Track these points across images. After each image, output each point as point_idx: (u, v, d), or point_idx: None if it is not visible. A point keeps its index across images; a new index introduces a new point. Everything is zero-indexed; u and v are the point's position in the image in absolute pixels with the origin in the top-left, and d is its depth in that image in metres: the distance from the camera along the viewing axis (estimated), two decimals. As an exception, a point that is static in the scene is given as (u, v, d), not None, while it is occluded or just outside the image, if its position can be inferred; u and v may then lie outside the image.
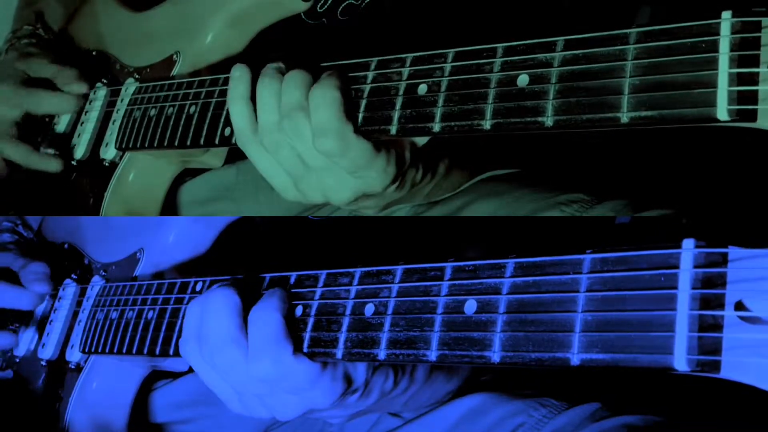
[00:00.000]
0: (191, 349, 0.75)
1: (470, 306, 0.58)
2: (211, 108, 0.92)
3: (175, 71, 1.07)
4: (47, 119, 1.18)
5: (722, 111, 0.55)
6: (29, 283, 1.07)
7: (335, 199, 0.81)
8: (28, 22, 1.25)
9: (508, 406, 0.90)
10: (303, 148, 0.77)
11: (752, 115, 0.54)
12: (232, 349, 0.70)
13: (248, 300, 0.72)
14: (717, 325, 0.46)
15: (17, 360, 1.12)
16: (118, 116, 1.08)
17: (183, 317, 0.82)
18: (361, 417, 0.87)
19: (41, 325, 1.11)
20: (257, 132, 0.80)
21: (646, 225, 0.85)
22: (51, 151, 1.13)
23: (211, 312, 0.72)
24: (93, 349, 0.98)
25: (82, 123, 1.14)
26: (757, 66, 0.53)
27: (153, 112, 1.01)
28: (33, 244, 1.22)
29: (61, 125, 1.17)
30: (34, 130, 1.16)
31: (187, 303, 0.84)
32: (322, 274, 0.72)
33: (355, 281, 0.68)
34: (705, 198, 0.94)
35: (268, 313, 0.70)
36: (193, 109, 0.94)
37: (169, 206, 1.14)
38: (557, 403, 0.88)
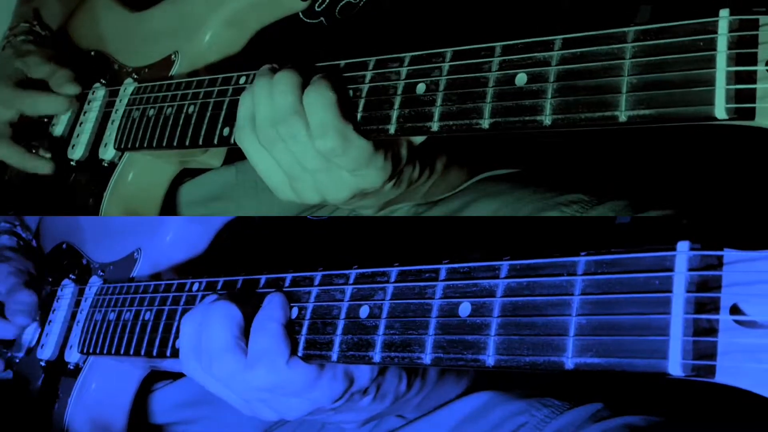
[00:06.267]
0: (192, 364, 0.75)
1: (464, 309, 0.58)
2: (210, 108, 0.91)
3: (173, 71, 1.06)
4: (45, 120, 1.18)
5: (720, 109, 0.55)
6: (13, 315, 1.08)
7: (332, 198, 0.81)
8: (25, 19, 1.25)
9: (510, 406, 0.90)
10: (299, 150, 0.77)
11: (750, 114, 0.53)
12: (228, 358, 0.71)
13: (246, 306, 0.72)
14: (712, 329, 0.45)
15: (17, 361, 1.12)
16: (116, 116, 1.07)
17: (179, 321, 0.82)
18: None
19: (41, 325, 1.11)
20: (255, 128, 0.80)
21: (647, 225, 0.84)
22: (47, 154, 1.14)
23: (209, 324, 0.72)
24: (91, 350, 0.98)
25: (81, 123, 1.14)
26: (755, 64, 0.53)
27: (152, 112, 1.01)
28: (31, 246, 1.22)
29: (59, 127, 1.17)
30: (29, 130, 1.17)
31: (184, 304, 0.84)
32: (318, 275, 0.72)
33: (351, 282, 0.68)
34: (703, 199, 0.93)
35: (267, 322, 0.70)
36: (191, 109, 0.94)
37: (169, 206, 1.14)
38: (559, 403, 0.88)
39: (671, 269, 0.48)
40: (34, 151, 1.15)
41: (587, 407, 0.85)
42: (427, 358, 0.59)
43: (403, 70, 0.74)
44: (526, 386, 0.92)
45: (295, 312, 0.71)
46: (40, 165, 1.14)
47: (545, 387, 0.91)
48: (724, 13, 0.55)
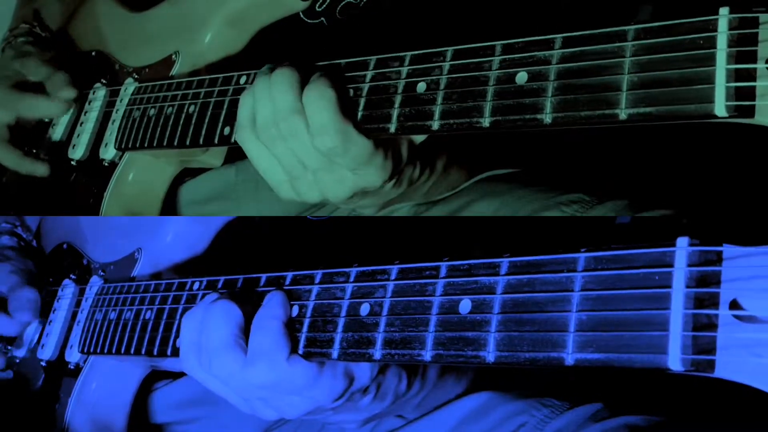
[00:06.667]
0: (192, 362, 0.75)
1: (465, 306, 0.58)
2: (210, 107, 0.92)
3: (174, 71, 1.06)
4: (46, 121, 1.18)
5: (720, 107, 0.55)
6: (15, 311, 1.08)
7: (333, 197, 0.81)
8: (25, 20, 1.26)
9: (510, 406, 0.90)
10: (299, 149, 0.77)
11: (750, 111, 0.53)
12: (228, 357, 0.71)
13: (246, 305, 0.72)
14: (711, 324, 0.46)
15: (17, 360, 1.12)
16: (117, 116, 1.08)
17: (180, 320, 0.82)
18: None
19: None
20: (255, 127, 0.80)
21: (647, 225, 0.84)
22: (44, 157, 1.14)
23: (209, 323, 0.73)
24: (92, 350, 0.98)
25: (82, 123, 1.14)
26: (755, 62, 0.53)
27: (152, 112, 1.01)
28: (31, 246, 1.22)
29: (59, 129, 1.17)
30: (28, 133, 1.17)
31: (185, 303, 0.85)
32: (318, 273, 0.72)
33: (351, 281, 0.68)
34: (702, 195, 0.93)
35: (267, 320, 0.71)
36: (192, 108, 0.94)
37: (169, 206, 1.14)
38: (559, 403, 0.88)
39: (671, 265, 0.48)
40: (35, 151, 1.15)
41: (587, 407, 0.85)
42: (427, 355, 0.60)
43: (404, 69, 0.74)
44: (527, 386, 0.92)
45: (295, 310, 0.71)
46: (36, 168, 1.14)
47: (545, 387, 0.91)
48: (724, 11, 0.55)
